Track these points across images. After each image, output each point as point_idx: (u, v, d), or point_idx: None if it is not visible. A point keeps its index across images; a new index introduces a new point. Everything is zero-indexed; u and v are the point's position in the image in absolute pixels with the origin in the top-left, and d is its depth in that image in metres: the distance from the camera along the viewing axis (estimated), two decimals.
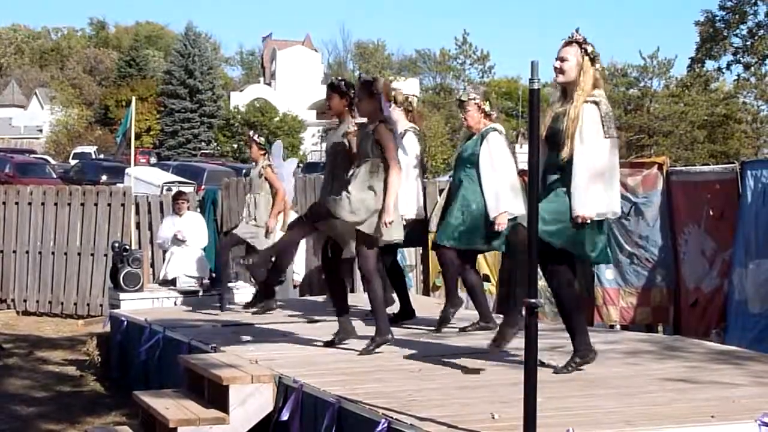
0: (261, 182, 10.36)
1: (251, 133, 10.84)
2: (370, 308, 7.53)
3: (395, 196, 7.17)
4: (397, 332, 8.27)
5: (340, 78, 7.92)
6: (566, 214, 6.17)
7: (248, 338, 8.17)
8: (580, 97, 6.21)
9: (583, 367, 6.44)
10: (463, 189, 8.19)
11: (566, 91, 6.35)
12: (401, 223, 7.45)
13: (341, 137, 7.66)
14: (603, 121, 6.18)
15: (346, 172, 7.40)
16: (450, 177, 8.61)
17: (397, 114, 8.63)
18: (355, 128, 7.52)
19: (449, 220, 8.18)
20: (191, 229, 12.84)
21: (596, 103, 6.21)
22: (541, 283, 11.03)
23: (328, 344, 7.57)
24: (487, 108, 8.39)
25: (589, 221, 6.15)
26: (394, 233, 7.28)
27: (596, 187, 6.15)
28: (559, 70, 6.31)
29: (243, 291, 11.94)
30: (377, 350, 7.23)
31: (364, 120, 7.42)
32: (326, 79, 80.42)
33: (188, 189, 27.27)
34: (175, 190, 16.71)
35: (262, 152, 10.48)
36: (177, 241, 12.43)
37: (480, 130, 8.33)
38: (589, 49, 6.27)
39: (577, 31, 6.34)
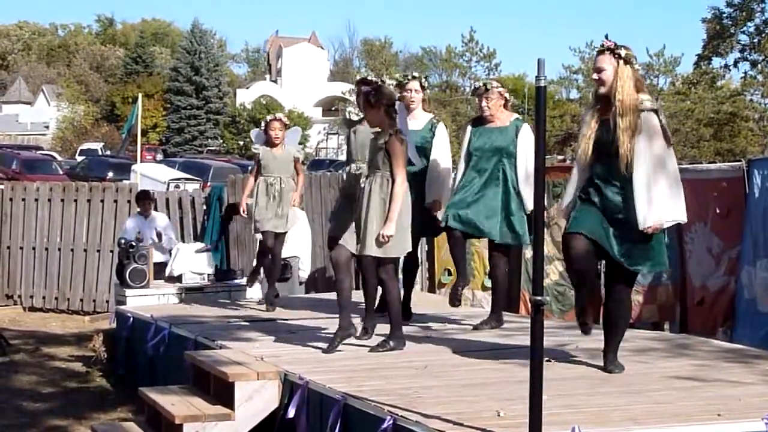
0: (290, 166, 10.12)
1: (278, 115, 10.32)
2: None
3: (398, 211, 7.11)
4: (403, 329, 8.28)
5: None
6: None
7: (254, 335, 8.17)
8: (625, 103, 6.11)
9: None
10: (509, 182, 8.20)
11: (607, 99, 6.21)
12: (408, 232, 7.37)
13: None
14: (663, 129, 6.14)
15: None
16: (462, 170, 8.47)
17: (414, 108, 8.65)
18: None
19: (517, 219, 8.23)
20: (155, 231, 12.85)
21: (656, 111, 6.16)
22: (547, 281, 11.11)
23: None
24: (507, 96, 8.41)
25: (659, 231, 6.16)
26: (407, 245, 7.33)
27: (662, 197, 6.09)
28: (599, 82, 6.21)
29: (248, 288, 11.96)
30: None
31: (376, 130, 7.34)
32: (332, 77, 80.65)
33: (194, 185, 27.37)
34: (135, 187, 16.41)
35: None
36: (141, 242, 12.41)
37: (500, 119, 8.31)
38: (623, 53, 6.16)
39: (606, 38, 6.26)
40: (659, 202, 6.09)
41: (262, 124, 10.31)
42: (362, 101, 7.46)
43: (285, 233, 10.22)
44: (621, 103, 6.11)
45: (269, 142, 10.09)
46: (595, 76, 6.26)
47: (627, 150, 6.06)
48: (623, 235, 6.15)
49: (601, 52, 6.24)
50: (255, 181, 10.08)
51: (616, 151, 6.09)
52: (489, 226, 8.20)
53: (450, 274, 12.22)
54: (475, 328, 8.39)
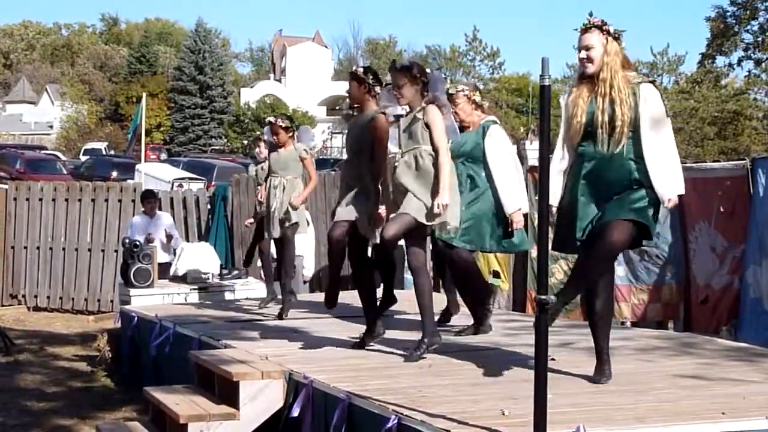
0: (297, 165, 9.85)
1: (273, 119, 10.03)
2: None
3: (448, 178, 6.74)
4: (407, 328, 8.28)
5: (360, 66, 7.77)
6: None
7: (258, 334, 8.18)
8: (618, 78, 5.84)
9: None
10: (470, 186, 7.83)
11: (592, 79, 5.92)
12: (458, 206, 7.00)
13: (363, 127, 7.47)
14: (663, 100, 5.94)
15: (368, 162, 7.30)
16: None
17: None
18: (385, 116, 7.30)
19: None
20: (163, 231, 12.88)
21: (653, 83, 5.97)
22: (552, 279, 11.11)
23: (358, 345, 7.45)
24: (477, 99, 8.02)
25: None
26: (451, 218, 6.86)
27: (677, 167, 5.96)
28: (588, 60, 5.87)
29: (253, 287, 11.97)
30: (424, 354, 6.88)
31: (404, 108, 7.04)
32: (336, 76, 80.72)
33: (199, 185, 27.37)
34: (135, 186, 16.38)
35: (291, 134, 9.91)
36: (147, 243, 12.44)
37: (474, 123, 7.99)
38: (611, 29, 5.90)
39: (591, 15, 5.99)
40: (677, 172, 5.92)
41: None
42: (403, 75, 7.02)
43: (287, 234, 9.98)
44: (613, 79, 5.84)
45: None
46: (582, 54, 5.88)
47: (627, 125, 5.80)
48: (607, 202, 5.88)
49: (587, 30, 5.91)
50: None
51: (613, 128, 5.81)
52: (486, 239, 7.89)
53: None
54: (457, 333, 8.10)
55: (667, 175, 5.87)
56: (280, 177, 9.82)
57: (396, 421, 5.11)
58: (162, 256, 12.49)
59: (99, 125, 67.26)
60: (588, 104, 5.93)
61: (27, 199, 15.66)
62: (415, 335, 7.88)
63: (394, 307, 9.44)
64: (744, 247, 10.24)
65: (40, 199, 15.63)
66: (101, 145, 56.69)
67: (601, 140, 5.88)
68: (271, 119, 10.05)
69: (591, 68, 5.89)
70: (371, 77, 7.49)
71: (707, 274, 10.72)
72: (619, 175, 5.86)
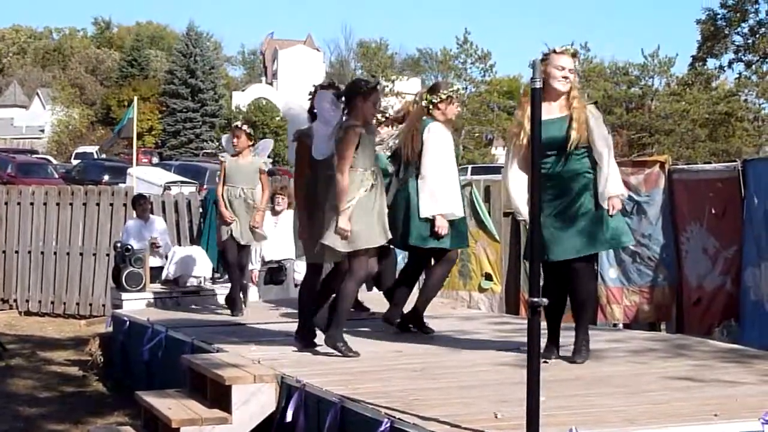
0: (257, 177, 10.09)
1: (239, 124, 10.35)
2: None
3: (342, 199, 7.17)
4: (399, 332, 8.28)
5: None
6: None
7: (251, 338, 8.16)
8: (578, 101, 6.73)
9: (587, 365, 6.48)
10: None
11: (559, 96, 6.70)
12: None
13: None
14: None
15: None
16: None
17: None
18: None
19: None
20: (161, 235, 12.87)
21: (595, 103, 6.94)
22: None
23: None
24: (423, 102, 8.22)
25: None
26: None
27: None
28: (568, 81, 6.75)
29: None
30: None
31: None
32: (328, 79, 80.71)
33: (191, 188, 27.35)
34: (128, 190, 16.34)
35: (251, 143, 10.16)
36: (153, 248, 12.40)
37: None
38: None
39: (572, 45, 7.05)
40: None
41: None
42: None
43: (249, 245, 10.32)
44: (578, 101, 6.73)
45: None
46: (569, 74, 6.74)
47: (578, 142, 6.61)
48: None
49: (573, 55, 6.86)
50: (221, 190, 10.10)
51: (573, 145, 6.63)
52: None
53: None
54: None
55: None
56: (248, 188, 10.01)
57: (389, 424, 5.10)
58: (154, 260, 12.44)
59: (90, 129, 67.10)
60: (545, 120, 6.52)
61: (18, 204, 15.63)
62: (409, 336, 7.90)
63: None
64: (736, 248, 10.25)
65: (32, 204, 15.60)
66: (92, 149, 56.48)
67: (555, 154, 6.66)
68: (237, 123, 10.36)
69: (567, 87, 6.73)
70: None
71: (699, 276, 10.73)
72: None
